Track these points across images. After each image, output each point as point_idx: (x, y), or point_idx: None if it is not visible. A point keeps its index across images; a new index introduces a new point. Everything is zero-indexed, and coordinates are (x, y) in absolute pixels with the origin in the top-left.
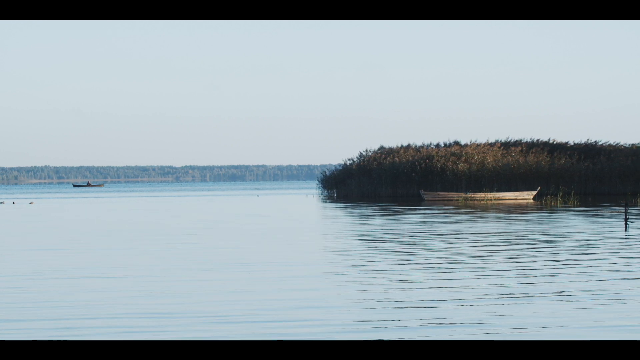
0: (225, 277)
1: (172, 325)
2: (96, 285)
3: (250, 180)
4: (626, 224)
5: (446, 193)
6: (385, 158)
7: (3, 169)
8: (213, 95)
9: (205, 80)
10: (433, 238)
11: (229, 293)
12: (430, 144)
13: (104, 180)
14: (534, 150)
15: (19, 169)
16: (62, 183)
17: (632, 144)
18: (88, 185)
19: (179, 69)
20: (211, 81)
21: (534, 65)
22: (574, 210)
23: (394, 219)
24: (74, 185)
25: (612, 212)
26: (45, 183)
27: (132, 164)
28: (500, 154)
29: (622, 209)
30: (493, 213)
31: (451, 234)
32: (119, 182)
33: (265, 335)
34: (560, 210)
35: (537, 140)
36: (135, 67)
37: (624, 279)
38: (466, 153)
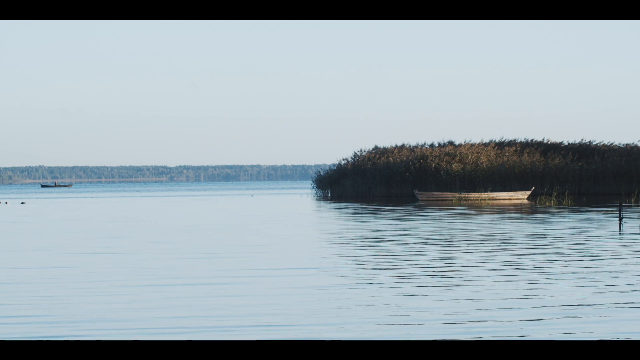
0: (218, 279)
1: (172, 326)
2: (89, 285)
3: (245, 180)
4: (620, 223)
5: (440, 193)
6: (379, 158)
7: None
8: (208, 96)
9: (201, 80)
10: (430, 238)
11: (222, 295)
12: (425, 143)
13: (99, 180)
14: (528, 150)
15: (13, 169)
16: (30, 184)
17: (626, 144)
18: (55, 185)
19: (174, 68)
20: (201, 81)
21: (528, 65)
22: (568, 210)
23: (391, 219)
24: (42, 186)
25: (606, 211)
26: (38, 183)
27: (127, 164)
28: (495, 154)
29: (616, 208)
30: (487, 213)
31: (449, 234)
32: (88, 182)
33: (265, 335)
34: (554, 210)
35: (531, 140)
36: (131, 67)
37: (621, 278)
38: (460, 153)
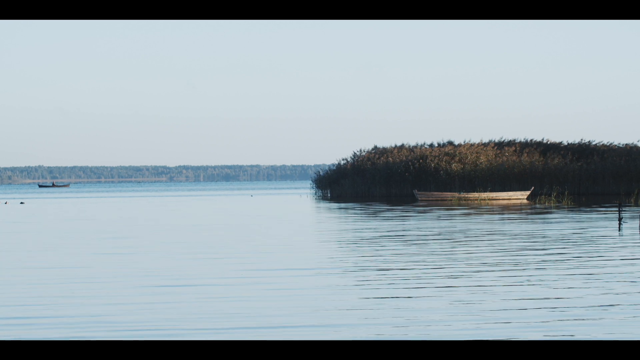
0: (217, 279)
1: (172, 326)
2: (88, 284)
3: (244, 180)
4: (620, 223)
5: (440, 193)
6: (379, 158)
7: None
8: (207, 96)
9: (200, 80)
10: (430, 238)
11: (222, 296)
12: (424, 143)
13: (98, 180)
14: (527, 150)
15: (13, 169)
16: (30, 184)
17: (626, 144)
18: (53, 185)
19: (174, 68)
20: (200, 81)
21: (527, 65)
22: (567, 210)
23: (390, 220)
24: (40, 186)
25: (605, 212)
26: (37, 183)
27: (126, 164)
28: (494, 154)
29: (616, 208)
30: (486, 213)
31: (448, 234)
32: (87, 182)
33: (265, 335)
34: (553, 210)
35: (531, 140)
36: (131, 67)
37: (620, 278)
38: (460, 153)
